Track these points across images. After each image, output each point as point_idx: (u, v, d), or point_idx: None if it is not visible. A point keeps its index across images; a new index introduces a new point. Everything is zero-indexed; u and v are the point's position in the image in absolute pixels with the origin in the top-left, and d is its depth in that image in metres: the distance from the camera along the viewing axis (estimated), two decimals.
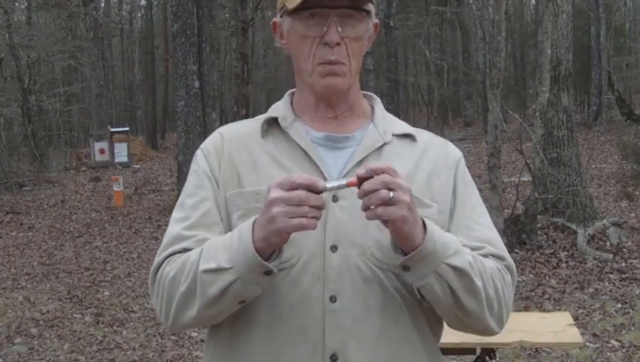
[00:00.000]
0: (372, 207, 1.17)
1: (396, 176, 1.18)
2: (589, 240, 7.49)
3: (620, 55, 23.36)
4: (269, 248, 1.21)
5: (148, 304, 6.93)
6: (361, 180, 1.18)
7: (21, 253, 9.93)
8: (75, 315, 6.71)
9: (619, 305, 5.92)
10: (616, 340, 5.16)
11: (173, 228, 1.38)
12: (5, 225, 12.32)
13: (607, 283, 6.51)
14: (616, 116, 21.67)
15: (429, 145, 1.44)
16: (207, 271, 1.25)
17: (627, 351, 4.99)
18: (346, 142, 1.39)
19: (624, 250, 7.38)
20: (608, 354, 4.93)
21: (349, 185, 1.18)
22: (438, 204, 1.38)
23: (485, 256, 1.35)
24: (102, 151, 22.35)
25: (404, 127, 1.46)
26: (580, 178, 8.57)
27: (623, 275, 6.68)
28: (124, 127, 25.09)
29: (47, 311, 6.85)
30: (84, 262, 9.14)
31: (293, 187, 1.16)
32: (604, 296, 6.18)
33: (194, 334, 5.89)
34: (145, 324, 6.29)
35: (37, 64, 23.09)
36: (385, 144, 1.39)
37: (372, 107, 1.48)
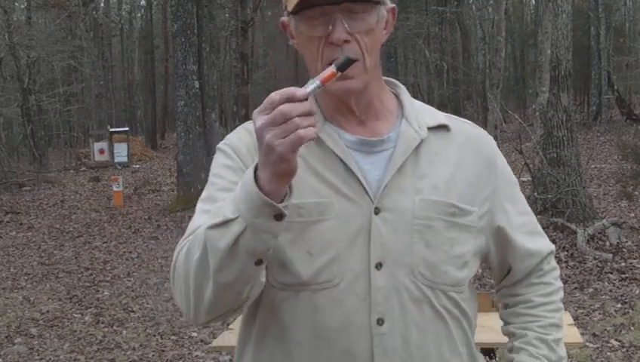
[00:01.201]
0: None
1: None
2: (588, 240, 7.48)
3: (620, 55, 23.37)
4: (281, 187, 1.08)
5: (147, 304, 6.93)
6: (339, 68, 1.08)
7: (21, 253, 9.92)
8: (75, 315, 6.70)
9: (619, 305, 5.92)
10: (616, 340, 5.16)
11: (200, 219, 1.23)
12: (5, 225, 12.31)
13: (606, 283, 6.51)
14: (615, 116, 21.69)
15: (464, 138, 1.35)
16: (213, 227, 1.12)
17: (627, 351, 4.99)
18: (381, 145, 1.29)
19: (624, 249, 7.38)
20: (608, 353, 4.93)
21: (323, 81, 1.08)
22: (479, 208, 1.32)
23: (542, 262, 1.42)
24: (101, 151, 22.35)
25: (436, 116, 1.36)
26: (580, 178, 8.56)
27: (623, 275, 6.68)
28: (124, 127, 25.10)
29: (47, 311, 6.85)
30: (84, 262, 9.14)
31: (274, 106, 1.04)
32: (603, 296, 6.18)
33: (194, 334, 5.88)
34: (145, 324, 6.29)
35: (37, 64, 23.09)
36: (422, 141, 1.30)
37: (397, 97, 1.37)
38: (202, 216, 1.21)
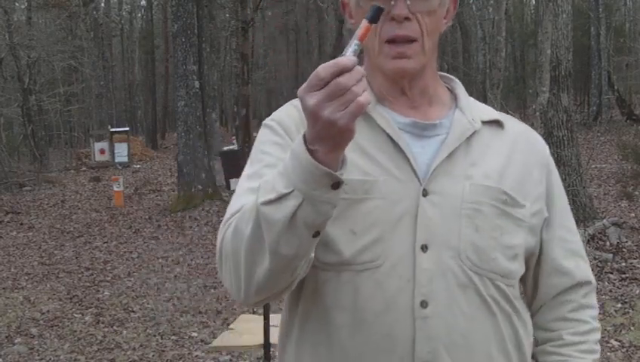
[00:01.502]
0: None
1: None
2: (588, 240, 7.48)
3: (620, 55, 23.36)
4: (339, 157, 1.05)
5: (148, 304, 6.94)
6: (371, 21, 1.03)
7: (21, 253, 9.93)
8: (75, 315, 6.71)
9: (619, 305, 5.92)
10: (616, 340, 5.16)
11: (246, 197, 1.18)
12: (5, 225, 12.31)
13: (606, 283, 6.51)
14: (616, 116, 21.69)
15: (518, 136, 1.33)
16: (267, 203, 1.07)
17: (627, 351, 4.99)
18: (433, 129, 1.26)
19: (624, 249, 7.38)
20: (608, 354, 4.93)
21: (361, 39, 1.03)
22: (531, 205, 1.28)
23: (574, 290, 1.35)
24: (102, 152, 22.35)
25: (490, 112, 1.34)
26: (580, 178, 8.56)
27: (623, 275, 6.68)
28: (124, 127, 25.10)
29: (47, 311, 6.85)
30: (84, 262, 9.14)
31: (325, 81, 0.98)
32: (603, 296, 6.18)
33: (194, 334, 5.89)
34: (145, 324, 6.29)
35: (37, 64, 23.09)
36: (475, 132, 1.27)
37: (450, 90, 1.35)
38: (248, 195, 1.17)
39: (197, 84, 12.51)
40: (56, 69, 25.04)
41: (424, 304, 1.18)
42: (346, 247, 1.19)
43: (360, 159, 1.21)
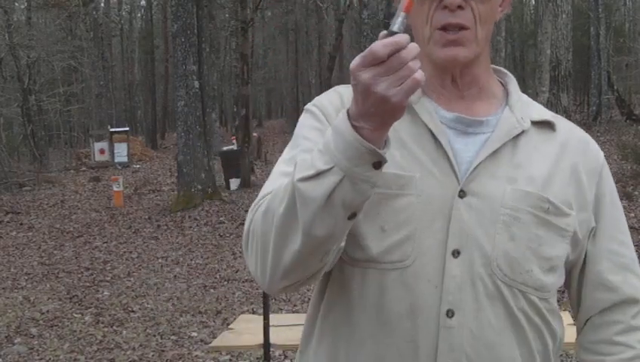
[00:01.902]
0: None
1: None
2: None
3: (620, 55, 23.39)
4: (385, 134, 1.01)
5: (148, 304, 6.94)
6: None
7: (21, 253, 9.93)
8: (75, 315, 6.71)
9: None
10: None
11: (280, 180, 1.13)
12: (5, 225, 12.32)
13: None
14: (615, 116, 21.69)
15: (569, 140, 1.25)
16: (304, 179, 1.03)
17: None
18: (479, 126, 1.20)
19: None
20: None
21: (407, 10, 0.98)
22: (577, 213, 1.20)
23: (620, 308, 1.25)
24: (102, 152, 22.36)
25: (542, 111, 1.26)
26: None
27: None
28: (124, 127, 25.10)
29: (47, 311, 6.85)
30: (84, 262, 9.15)
31: (380, 59, 0.94)
32: None
33: (194, 334, 5.89)
34: (145, 324, 6.30)
35: (37, 64, 23.10)
36: (522, 132, 1.20)
37: (503, 85, 1.29)
38: (282, 178, 1.13)
39: (197, 84, 12.51)
40: (56, 69, 25.05)
41: (450, 313, 1.13)
42: (374, 244, 1.15)
43: (397, 152, 1.16)
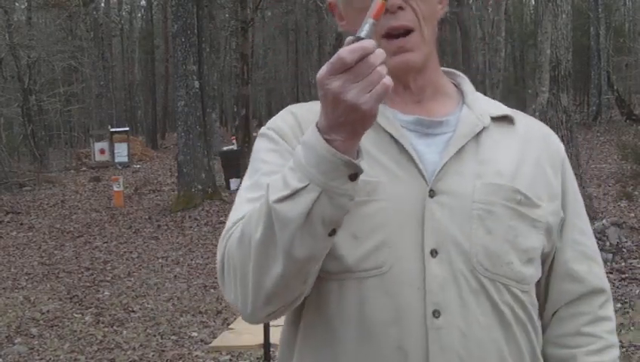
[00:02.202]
0: None
1: None
2: None
3: (620, 55, 23.39)
4: (357, 144, 1.00)
5: (148, 304, 6.94)
6: None
7: (21, 253, 9.93)
8: (75, 315, 6.71)
9: (618, 305, 5.92)
10: None
11: (246, 207, 1.11)
12: (5, 225, 12.32)
13: None
14: (615, 116, 21.70)
15: (530, 132, 1.25)
16: (279, 200, 1.00)
17: (627, 350, 4.99)
18: (439, 127, 1.19)
19: (624, 250, 7.38)
20: None
21: (375, 16, 0.97)
22: (547, 204, 1.20)
23: (588, 298, 1.25)
24: (102, 151, 22.36)
25: (499, 107, 1.26)
26: (580, 178, 8.57)
27: (623, 275, 6.68)
28: (124, 127, 25.10)
29: (47, 311, 6.86)
30: (84, 262, 9.15)
31: (348, 65, 0.93)
32: None
33: (194, 334, 5.89)
34: (145, 324, 6.30)
35: (37, 64, 23.10)
36: (484, 129, 1.19)
37: (456, 86, 1.28)
38: (249, 205, 1.10)
39: (197, 84, 12.52)
40: (56, 69, 25.05)
41: (436, 313, 1.10)
42: (349, 253, 1.11)
43: (363, 161, 1.12)
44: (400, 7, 1.13)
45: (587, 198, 8.69)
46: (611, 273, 6.77)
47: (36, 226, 12.06)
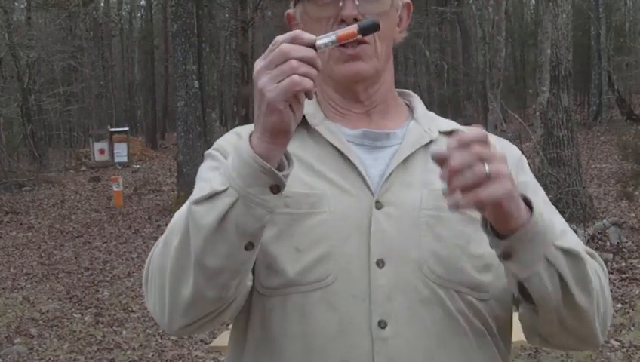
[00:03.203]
0: (462, 189, 0.89)
1: (487, 144, 0.91)
2: (589, 241, 7.48)
3: (620, 55, 23.38)
4: (274, 149, 0.96)
5: None
6: (361, 30, 0.96)
7: (21, 253, 9.92)
8: (75, 315, 6.70)
9: (619, 305, 5.91)
10: (616, 340, 5.16)
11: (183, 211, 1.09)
12: (5, 225, 12.31)
13: None
14: (616, 116, 21.69)
15: None
16: (198, 202, 0.98)
17: (627, 351, 4.98)
18: (386, 140, 1.17)
19: (624, 250, 7.38)
20: (608, 354, 4.92)
21: (340, 38, 0.95)
22: None
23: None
24: (101, 151, 22.36)
25: (451, 123, 1.24)
26: (580, 178, 8.57)
27: (623, 275, 6.68)
28: (124, 127, 25.10)
29: (47, 311, 6.85)
30: (84, 262, 9.14)
31: (276, 47, 0.93)
32: None
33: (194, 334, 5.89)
34: (144, 324, 6.29)
35: (37, 64, 23.10)
36: (431, 141, 1.17)
37: (408, 105, 1.27)
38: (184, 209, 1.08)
39: (197, 84, 12.51)
40: (55, 69, 25.05)
41: (382, 324, 1.06)
42: (290, 266, 1.08)
43: (306, 175, 1.12)
44: (356, 19, 1.11)
45: (587, 198, 8.69)
46: (612, 273, 6.77)
47: (36, 226, 12.05)
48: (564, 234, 1.07)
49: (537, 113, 8.06)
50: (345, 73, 1.13)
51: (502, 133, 7.77)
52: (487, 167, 0.89)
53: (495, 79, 7.65)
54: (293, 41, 0.92)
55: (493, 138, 1.21)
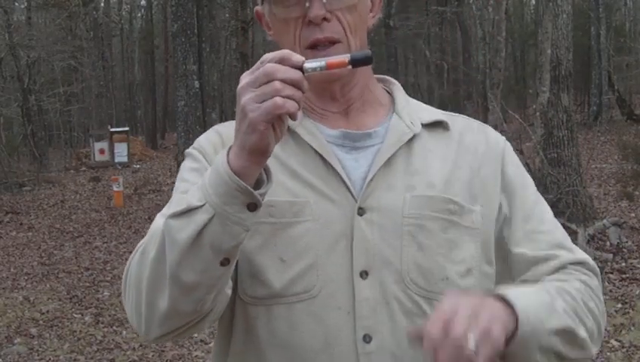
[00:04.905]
0: None
1: (462, 306, 0.90)
2: (589, 241, 7.48)
3: (620, 55, 23.37)
4: (251, 167, 0.94)
5: None
6: (352, 62, 0.94)
7: (21, 253, 9.92)
8: (75, 315, 6.70)
9: (619, 305, 5.91)
10: (616, 340, 5.16)
11: (160, 222, 1.05)
12: (5, 225, 12.31)
13: (607, 284, 6.51)
14: (616, 116, 21.69)
15: (465, 134, 1.19)
16: (174, 216, 0.96)
17: (627, 351, 4.98)
18: (367, 139, 1.14)
19: (624, 250, 7.38)
20: (608, 354, 4.92)
21: (329, 66, 0.93)
22: (482, 207, 1.13)
23: (563, 266, 1.13)
24: (102, 151, 22.35)
25: (433, 113, 1.20)
26: (580, 178, 8.56)
27: (623, 275, 6.68)
28: (124, 127, 25.08)
29: (47, 311, 6.85)
30: (84, 262, 9.14)
31: (263, 65, 0.91)
32: (604, 296, 6.17)
33: (194, 334, 5.88)
34: None
35: (37, 64, 23.09)
36: (414, 136, 1.14)
37: (390, 93, 1.23)
38: (162, 220, 1.06)
39: (197, 84, 12.51)
40: (55, 69, 25.04)
41: (367, 338, 1.05)
42: (276, 278, 1.06)
43: (288, 180, 1.10)
44: (325, 19, 1.08)
45: (587, 198, 8.69)
46: (612, 273, 6.77)
47: (36, 226, 12.05)
48: (553, 309, 1.03)
49: (537, 113, 8.06)
50: (319, 75, 1.08)
51: (502, 133, 7.76)
52: (472, 342, 0.88)
53: (495, 79, 7.66)
54: (281, 61, 0.91)
55: (475, 124, 1.22)
